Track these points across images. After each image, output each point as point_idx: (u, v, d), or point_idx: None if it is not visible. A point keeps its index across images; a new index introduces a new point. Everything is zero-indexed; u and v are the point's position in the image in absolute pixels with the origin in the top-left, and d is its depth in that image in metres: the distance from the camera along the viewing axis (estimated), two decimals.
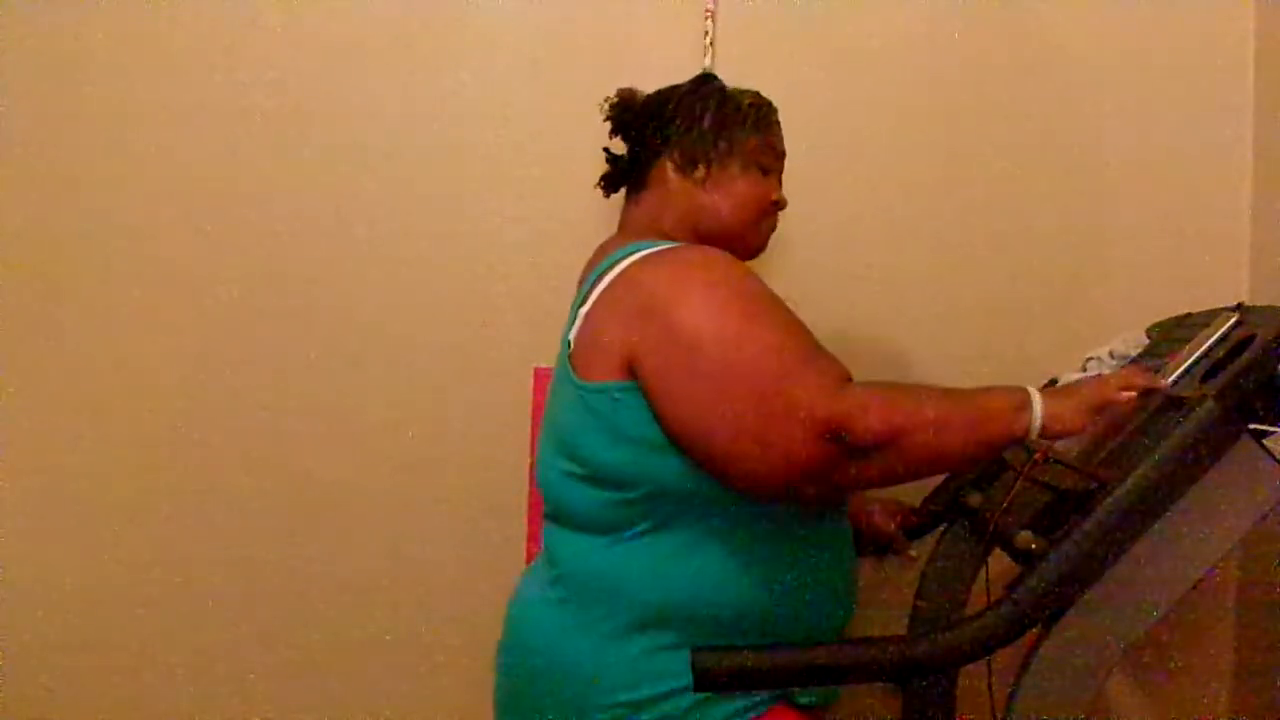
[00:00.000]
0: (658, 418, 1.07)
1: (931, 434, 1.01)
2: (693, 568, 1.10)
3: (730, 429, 1.01)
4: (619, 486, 1.11)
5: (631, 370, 1.08)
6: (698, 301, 1.06)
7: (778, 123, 1.32)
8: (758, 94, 1.32)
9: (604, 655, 1.10)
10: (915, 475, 1.07)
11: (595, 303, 1.14)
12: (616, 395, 1.09)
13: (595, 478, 1.12)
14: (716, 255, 1.14)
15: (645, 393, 1.07)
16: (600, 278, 1.16)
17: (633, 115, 1.32)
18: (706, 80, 1.32)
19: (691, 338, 1.04)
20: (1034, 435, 1.05)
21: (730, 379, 1.02)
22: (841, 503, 1.22)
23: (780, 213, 1.33)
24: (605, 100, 1.34)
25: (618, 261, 1.15)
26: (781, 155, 1.33)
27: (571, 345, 1.15)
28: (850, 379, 1.05)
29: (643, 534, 1.11)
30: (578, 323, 1.15)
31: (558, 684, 1.13)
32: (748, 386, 1.01)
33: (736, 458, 1.02)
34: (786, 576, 1.12)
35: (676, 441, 1.07)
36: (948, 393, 1.07)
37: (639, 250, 1.15)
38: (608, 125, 1.34)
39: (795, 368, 1.02)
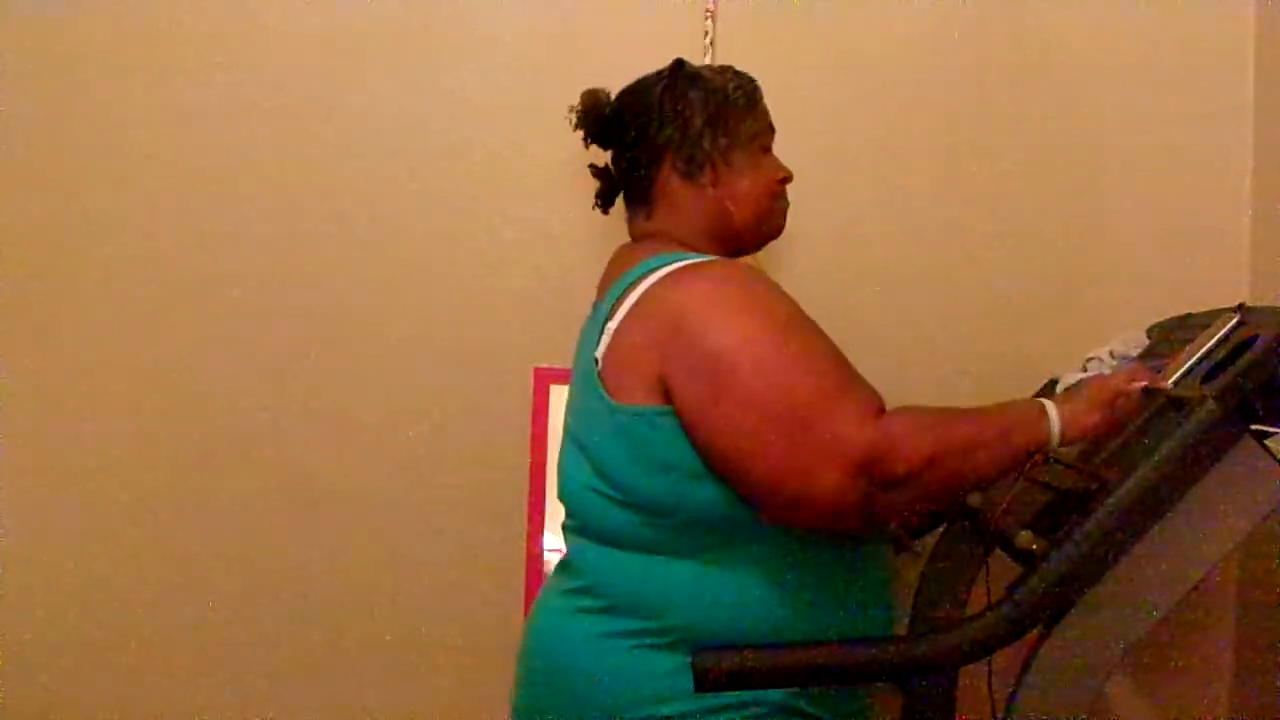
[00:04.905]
0: (692, 443, 1.05)
1: (963, 459, 1.02)
2: (732, 593, 1.08)
3: (766, 459, 1.00)
4: (657, 513, 1.08)
5: (665, 393, 1.05)
6: (731, 324, 1.04)
7: (762, 96, 1.28)
8: (737, 72, 1.27)
9: (634, 666, 1.08)
10: (949, 497, 1.08)
11: (624, 320, 1.10)
12: (654, 420, 1.06)
13: (631, 503, 1.10)
14: (747, 273, 1.12)
15: (679, 417, 1.05)
16: (626, 293, 1.12)
17: (609, 121, 1.27)
18: (680, 69, 1.25)
19: (725, 362, 1.02)
20: (1055, 442, 1.05)
21: (766, 407, 1.00)
22: (879, 528, 1.19)
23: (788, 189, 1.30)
24: (570, 109, 1.29)
25: (643, 277, 1.12)
26: (773, 127, 1.29)
27: (599, 363, 1.11)
28: (883, 408, 1.04)
29: (680, 556, 1.09)
30: (605, 339, 1.12)
31: (583, 690, 1.10)
32: (784, 415, 0.99)
33: (772, 488, 1.01)
34: (828, 603, 1.10)
35: (711, 467, 1.05)
36: (972, 412, 1.07)
37: (664, 265, 1.12)
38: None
39: (831, 398, 1.01)
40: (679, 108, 1.22)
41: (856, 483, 0.97)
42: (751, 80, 1.28)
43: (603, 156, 1.33)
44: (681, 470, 1.06)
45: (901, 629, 1.41)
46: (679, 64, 1.26)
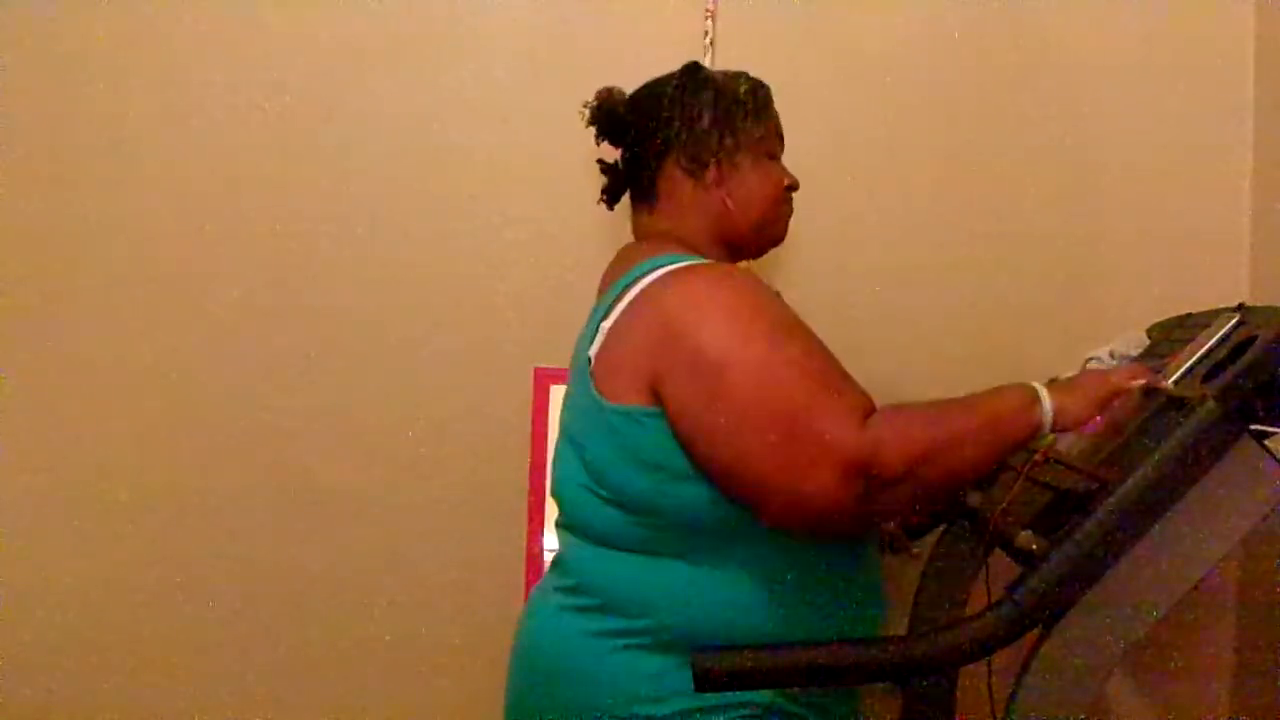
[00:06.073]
0: (681, 445, 1.05)
1: (952, 454, 1.01)
2: (720, 595, 1.07)
3: (755, 462, 1.00)
4: (645, 513, 1.08)
5: (655, 394, 1.05)
6: (721, 326, 1.04)
7: (773, 104, 1.29)
8: (749, 77, 1.27)
9: (623, 666, 1.08)
10: (942, 494, 1.08)
11: (618, 320, 1.11)
12: (642, 420, 1.06)
13: (620, 502, 1.10)
14: (739, 276, 1.12)
15: (669, 419, 1.05)
16: (624, 292, 1.12)
17: (620, 118, 1.27)
18: (694, 71, 1.26)
19: (716, 364, 1.02)
20: (1045, 430, 1.05)
21: (756, 411, 1.00)
22: (870, 531, 1.19)
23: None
24: (585, 104, 1.30)
25: (640, 277, 1.12)
26: (783, 137, 1.30)
27: (592, 361, 1.12)
28: (873, 409, 1.03)
29: (669, 556, 1.08)
30: (599, 338, 1.12)
31: (575, 688, 1.10)
32: (774, 419, 0.99)
33: (764, 492, 1.01)
34: (816, 606, 1.09)
35: (701, 470, 1.04)
36: (960, 405, 1.06)
37: (661, 265, 1.12)
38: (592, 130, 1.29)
39: (820, 401, 1.00)
40: (688, 106, 1.22)
41: (847, 485, 0.97)
42: (764, 86, 1.28)
43: (609, 155, 1.33)
44: (668, 470, 1.06)
45: (900, 629, 1.41)
46: (694, 66, 1.27)
